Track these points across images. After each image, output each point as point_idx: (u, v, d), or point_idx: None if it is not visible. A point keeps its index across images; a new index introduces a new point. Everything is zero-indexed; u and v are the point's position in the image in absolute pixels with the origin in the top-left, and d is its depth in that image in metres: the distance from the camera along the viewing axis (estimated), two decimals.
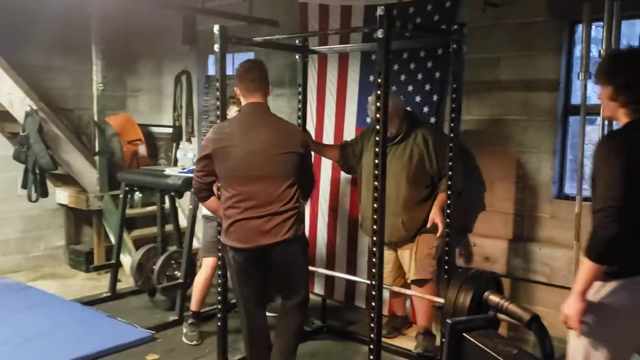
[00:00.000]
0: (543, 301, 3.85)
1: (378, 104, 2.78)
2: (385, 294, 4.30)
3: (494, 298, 1.30)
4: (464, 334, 1.16)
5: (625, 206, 2.07)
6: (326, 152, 4.30)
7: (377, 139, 2.81)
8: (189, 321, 4.26)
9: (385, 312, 4.33)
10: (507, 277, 3.92)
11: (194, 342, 4.11)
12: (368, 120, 4.36)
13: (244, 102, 3.26)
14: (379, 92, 2.77)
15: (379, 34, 2.72)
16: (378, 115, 2.80)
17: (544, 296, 3.83)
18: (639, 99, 2.24)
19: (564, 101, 3.77)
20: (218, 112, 3.44)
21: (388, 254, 3.99)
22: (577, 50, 3.69)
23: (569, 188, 3.86)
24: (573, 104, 3.75)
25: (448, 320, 1.18)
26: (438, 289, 3.84)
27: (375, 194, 2.83)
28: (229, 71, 5.85)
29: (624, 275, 2.21)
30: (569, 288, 3.45)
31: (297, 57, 3.98)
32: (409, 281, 3.93)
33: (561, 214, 3.76)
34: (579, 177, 3.43)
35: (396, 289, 3.66)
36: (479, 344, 1.12)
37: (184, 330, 4.23)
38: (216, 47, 3.38)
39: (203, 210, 4.23)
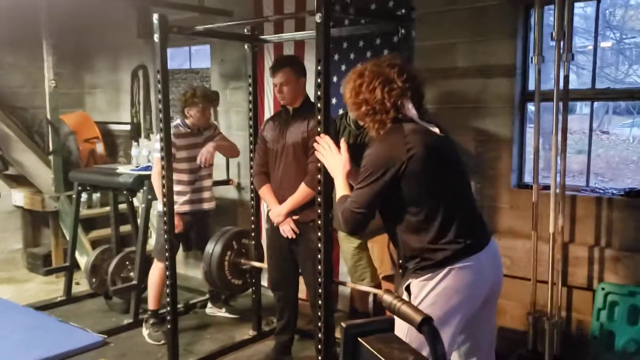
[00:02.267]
0: (504, 293, 3.66)
1: (319, 93, 2.65)
2: (347, 291, 4.19)
3: (387, 298, 1.18)
4: (359, 339, 1.04)
5: (368, 214, 2.24)
6: None
7: (319, 129, 2.68)
8: (150, 321, 4.13)
9: (346, 308, 4.22)
10: None
11: (162, 342, 3.97)
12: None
13: None
14: (319, 80, 2.63)
15: (317, 18, 2.59)
16: (319, 105, 2.66)
17: (504, 288, 3.65)
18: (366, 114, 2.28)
19: (520, 87, 3.66)
20: (160, 106, 3.29)
21: (358, 252, 3.86)
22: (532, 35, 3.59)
23: (529, 177, 3.76)
24: (530, 90, 3.65)
25: (342, 324, 1.05)
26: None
27: (319, 187, 2.71)
28: (185, 65, 5.75)
29: (446, 264, 2.20)
30: (529, 279, 3.41)
31: (245, 46, 3.83)
32: (381, 276, 3.82)
33: (520, 203, 3.66)
34: (535, 165, 3.35)
35: (351, 284, 3.54)
36: (373, 350, 1.00)
37: (147, 332, 4.09)
38: (156, 38, 3.23)
39: (159, 206, 4.06)
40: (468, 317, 2.25)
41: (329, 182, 2.73)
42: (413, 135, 2.19)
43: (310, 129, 3.26)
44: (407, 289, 2.24)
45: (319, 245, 2.74)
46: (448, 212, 2.20)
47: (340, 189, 2.40)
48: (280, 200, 3.43)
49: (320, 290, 2.76)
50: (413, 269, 2.24)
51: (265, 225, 3.68)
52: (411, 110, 2.24)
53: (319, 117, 2.66)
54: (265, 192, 3.56)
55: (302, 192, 3.32)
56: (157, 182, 3.96)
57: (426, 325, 1.05)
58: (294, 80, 3.35)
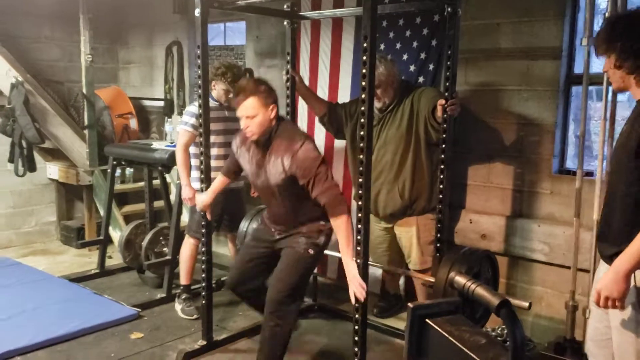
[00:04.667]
0: (542, 280, 3.69)
1: (364, 71, 2.59)
2: (378, 272, 4.17)
3: (459, 280, 1.15)
4: (426, 321, 1.01)
5: None
6: (312, 102, 4.03)
7: (363, 109, 2.63)
8: (183, 296, 4.15)
9: (377, 290, 4.20)
10: (505, 256, 3.76)
11: (194, 317, 3.99)
12: None
13: None
14: (364, 58, 2.58)
15: None
16: (364, 83, 2.61)
17: (542, 275, 3.68)
18: None
19: (566, 70, 3.56)
20: (199, 82, 3.27)
21: (384, 234, 3.84)
22: (582, 16, 3.47)
23: (571, 163, 3.67)
24: (576, 73, 3.54)
25: (409, 305, 1.02)
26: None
27: (361, 168, 2.67)
28: (219, 41, 5.72)
29: None
30: (568, 267, 3.35)
31: (285, 23, 3.78)
32: (410, 267, 3.78)
33: (562, 189, 3.58)
34: (580, 151, 3.27)
35: (386, 267, 3.50)
36: (443, 333, 0.97)
37: (180, 307, 4.12)
38: (197, 12, 3.20)
39: (195, 185, 4.06)
40: None
41: (370, 162, 2.69)
42: None
43: (288, 167, 2.85)
44: None
45: (359, 226, 2.71)
46: None
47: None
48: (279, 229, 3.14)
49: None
50: None
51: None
52: None
53: (364, 96, 2.61)
54: (216, 180, 3.37)
55: (344, 229, 2.78)
56: (181, 156, 3.96)
57: (504, 309, 1.02)
58: (262, 110, 2.91)
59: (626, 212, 2.07)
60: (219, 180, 3.38)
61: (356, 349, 2.79)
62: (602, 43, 2.12)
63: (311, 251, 3.01)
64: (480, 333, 0.97)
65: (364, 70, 2.59)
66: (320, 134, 4.53)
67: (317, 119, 4.10)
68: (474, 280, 1.14)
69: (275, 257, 3.11)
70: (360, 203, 2.69)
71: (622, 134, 2.15)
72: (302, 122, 4.61)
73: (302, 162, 2.82)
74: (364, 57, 2.58)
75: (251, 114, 2.90)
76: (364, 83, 2.61)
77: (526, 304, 2.74)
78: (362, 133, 2.64)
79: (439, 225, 3.34)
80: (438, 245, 3.33)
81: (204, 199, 3.33)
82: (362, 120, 2.63)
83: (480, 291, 1.09)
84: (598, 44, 2.15)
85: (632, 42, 2.03)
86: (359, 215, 2.69)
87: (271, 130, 2.94)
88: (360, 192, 2.68)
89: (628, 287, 1.98)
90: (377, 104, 3.61)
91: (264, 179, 3.00)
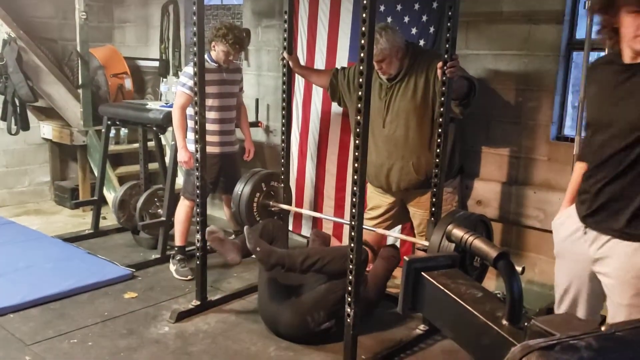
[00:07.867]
0: (536, 247, 3.70)
1: (363, 28, 2.53)
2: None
3: (457, 232, 1.13)
4: (422, 274, 0.99)
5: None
6: (313, 78, 4.02)
7: (361, 80, 2.56)
8: (177, 257, 4.15)
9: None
10: (500, 222, 3.76)
11: (189, 277, 4.00)
12: None
13: None
14: (364, 16, 2.52)
15: None
16: (362, 55, 2.53)
17: (536, 242, 3.68)
18: None
19: (568, 35, 3.51)
20: (195, 39, 3.20)
21: (391, 204, 3.71)
22: None
23: (569, 129, 3.65)
24: (578, 39, 3.49)
25: (405, 258, 1.01)
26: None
27: (357, 141, 2.63)
28: (216, 1, 5.61)
29: None
30: None
31: None
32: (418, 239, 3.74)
33: (559, 156, 3.56)
34: (579, 118, 3.24)
35: (380, 231, 3.50)
36: (439, 285, 0.95)
37: (174, 267, 4.12)
38: None
39: (191, 147, 4.02)
40: None
41: (367, 118, 2.65)
42: None
43: None
44: None
45: (354, 188, 2.69)
46: None
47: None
48: None
49: (353, 234, 2.73)
50: None
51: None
52: None
53: (361, 67, 2.55)
54: None
55: None
56: (177, 118, 3.92)
57: (502, 261, 1.00)
58: None
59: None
60: None
61: (348, 310, 2.80)
62: None
63: None
64: (476, 286, 0.96)
65: (363, 28, 2.52)
66: (316, 98, 4.49)
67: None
68: (472, 232, 1.12)
69: None
70: (356, 165, 2.66)
71: None
72: (299, 87, 4.56)
73: None
74: (364, 15, 2.51)
75: None
76: (362, 54, 2.53)
77: (519, 269, 2.74)
78: (359, 105, 2.59)
79: (434, 190, 3.30)
80: (433, 209, 3.30)
81: None
82: (360, 93, 2.57)
83: (479, 243, 1.07)
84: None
85: None
86: (355, 177, 2.67)
87: None
88: (356, 154, 2.65)
89: None
90: (383, 76, 3.47)
91: None
